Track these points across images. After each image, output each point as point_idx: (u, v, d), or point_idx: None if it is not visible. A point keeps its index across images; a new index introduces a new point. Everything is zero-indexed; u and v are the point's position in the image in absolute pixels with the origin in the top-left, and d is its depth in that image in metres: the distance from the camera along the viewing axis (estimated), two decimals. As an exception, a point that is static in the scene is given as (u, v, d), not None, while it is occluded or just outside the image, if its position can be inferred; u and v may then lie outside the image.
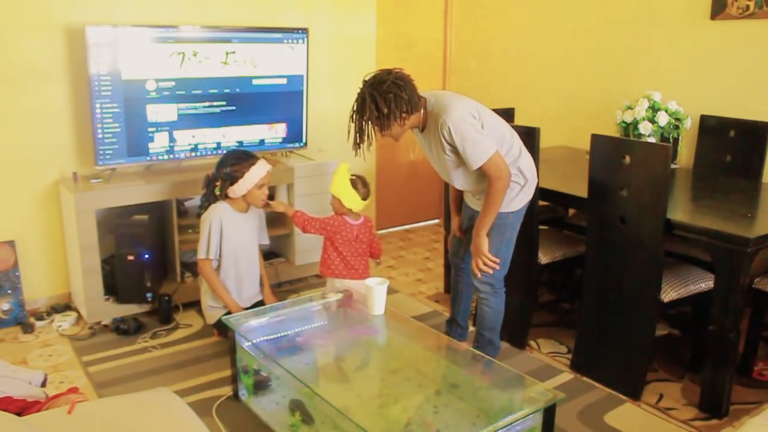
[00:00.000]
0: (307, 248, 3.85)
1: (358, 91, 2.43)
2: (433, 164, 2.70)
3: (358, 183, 3.05)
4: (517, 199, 2.62)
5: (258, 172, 2.97)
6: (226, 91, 3.57)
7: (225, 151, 3.37)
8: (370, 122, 2.41)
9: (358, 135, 2.44)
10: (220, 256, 3.02)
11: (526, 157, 2.63)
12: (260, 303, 3.13)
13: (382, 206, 4.84)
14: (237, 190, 2.97)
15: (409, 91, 2.40)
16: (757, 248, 2.36)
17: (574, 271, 3.56)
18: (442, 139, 2.45)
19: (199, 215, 3.10)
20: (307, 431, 2.25)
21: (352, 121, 2.44)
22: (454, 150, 2.46)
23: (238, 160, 2.99)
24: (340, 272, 3.06)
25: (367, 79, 2.43)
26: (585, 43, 4.03)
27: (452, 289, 3.06)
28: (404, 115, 2.41)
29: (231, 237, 3.02)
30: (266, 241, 3.28)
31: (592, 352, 2.85)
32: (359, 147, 2.45)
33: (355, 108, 2.43)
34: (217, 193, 3.02)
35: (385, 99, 2.36)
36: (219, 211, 3.00)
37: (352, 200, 3.01)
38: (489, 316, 2.77)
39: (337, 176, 3.04)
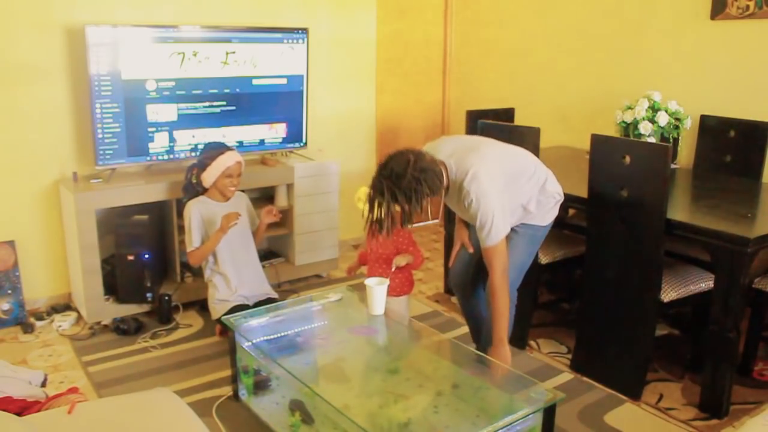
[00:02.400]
0: (307, 248, 3.85)
1: (374, 180, 2.29)
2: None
3: None
4: (551, 212, 2.61)
5: (225, 161, 3.06)
6: (226, 91, 3.57)
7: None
8: (390, 217, 2.29)
9: (377, 224, 2.31)
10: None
11: (552, 178, 2.60)
12: (263, 302, 3.11)
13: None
14: (207, 177, 3.08)
15: (429, 181, 2.25)
16: (757, 248, 2.36)
17: (574, 271, 3.56)
18: (464, 206, 2.38)
19: (184, 204, 3.19)
20: (307, 431, 2.25)
21: (370, 210, 2.31)
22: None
23: (211, 150, 3.12)
24: None
25: (385, 172, 2.26)
26: (585, 43, 4.03)
27: (470, 319, 2.87)
28: (424, 203, 2.28)
29: (216, 227, 3.06)
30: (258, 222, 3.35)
31: (592, 352, 2.85)
32: (378, 234, 2.33)
33: (375, 201, 2.28)
34: (193, 181, 3.14)
35: (406, 196, 2.23)
36: (196, 203, 3.12)
37: None
38: None
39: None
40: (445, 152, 2.40)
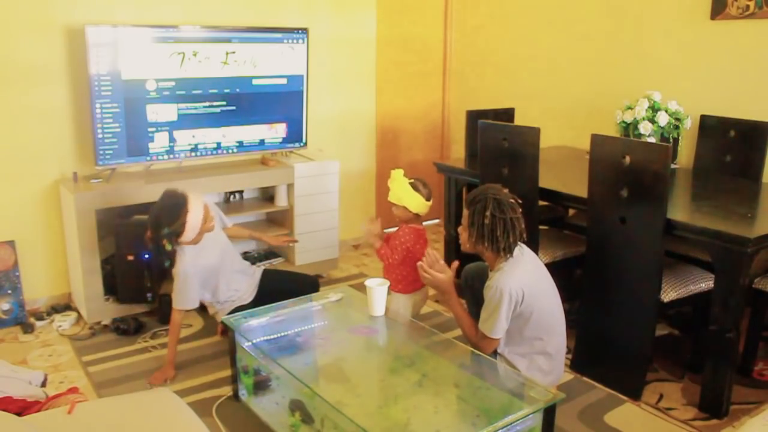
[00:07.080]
0: (307, 248, 3.85)
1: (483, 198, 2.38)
2: None
3: (419, 185, 2.94)
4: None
5: (197, 215, 2.71)
6: (226, 91, 3.57)
7: (151, 208, 2.82)
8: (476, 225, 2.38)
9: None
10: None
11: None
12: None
13: (382, 206, 4.84)
14: (188, 237, 2.73)
15: (509, 231, 2.33)
16: (757, 248, 2.36)
17: (574, 271, 3.56)
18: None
19: (170, 266, 2.80)
20: (307, 431, 2.25)
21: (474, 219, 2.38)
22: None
23: (170, 214, 2.69)
24: (420, 284, 3.01)
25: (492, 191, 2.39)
26: (585, 43, 4.03)
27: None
28: (487, 244, 2.37)
29: (209, 261, 2.87)
30: (229, 224, 3.19)
31: (592, 352, 2.85)
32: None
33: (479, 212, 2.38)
34: (169, 249, 2.72)
35: (496, 219, 2.32)
36: (187, 258, 2.78)
37: (418, 204, 2.92)
38: None
39: (395, 183, 2.92)
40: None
